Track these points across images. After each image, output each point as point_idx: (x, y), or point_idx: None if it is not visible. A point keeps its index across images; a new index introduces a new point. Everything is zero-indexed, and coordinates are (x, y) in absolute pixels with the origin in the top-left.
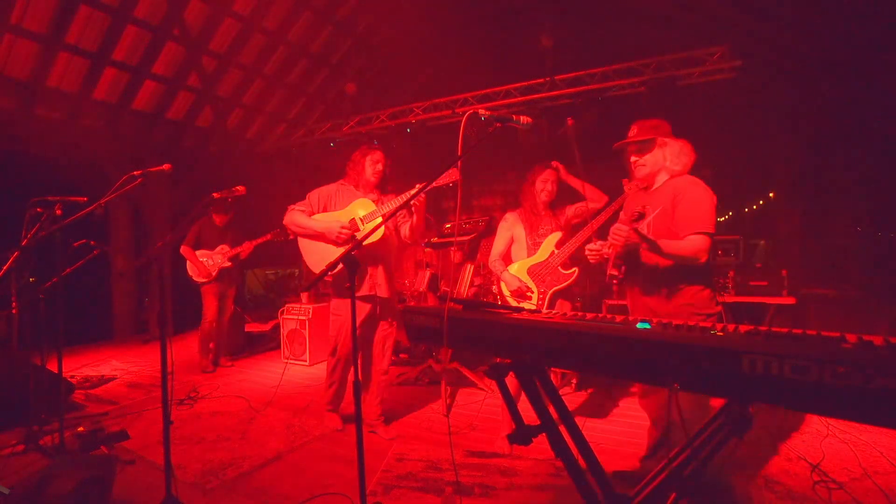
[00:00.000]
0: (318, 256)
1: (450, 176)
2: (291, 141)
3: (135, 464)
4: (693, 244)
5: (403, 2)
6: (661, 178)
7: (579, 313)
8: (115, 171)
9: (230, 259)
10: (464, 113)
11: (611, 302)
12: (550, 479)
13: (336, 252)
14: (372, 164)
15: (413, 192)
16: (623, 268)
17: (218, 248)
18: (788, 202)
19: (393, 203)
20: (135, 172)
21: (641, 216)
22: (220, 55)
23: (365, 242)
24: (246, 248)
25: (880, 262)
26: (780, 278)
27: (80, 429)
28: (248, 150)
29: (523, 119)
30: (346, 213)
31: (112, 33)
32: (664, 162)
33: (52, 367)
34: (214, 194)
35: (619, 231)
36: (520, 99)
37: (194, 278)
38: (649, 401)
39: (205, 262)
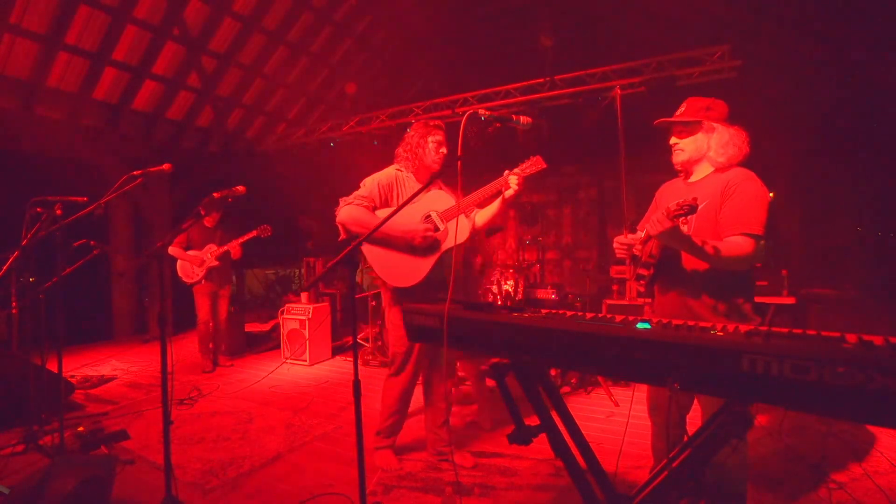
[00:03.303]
0: (399, 267)
1: (536, 164)
2: (291, 141)
3: (135, 464)
4: (739, 247)
5: (403, 2)
6: (703, 168)
7: (579, 313)
8: (115, 171)
9: (218, 258)
10: (464, 113)
11: (611, 302)
12: (550, 479)
13: (414, 260)
14: (435, 147)
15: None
16: (653, 269)
17: (206, 248)
18: (788, 202)
19: (478, 194)
20: (135, 172)
21: (693, 209)
22: (220, 55)
23: (450, 244)
24: (234, 247)
25: (880, 262)
26: (780, 278)
27: (80, 429)
28: (248, 150)
29: (523, 119)
30: (417, 210)
31: (112, 33)
32: (707, 150)
33: (52, 367)
34: (214, 194)
35: (660, 225)
36: (520, 99)
37: (184, 279)
38: (658, 415)
39: (197, 258)
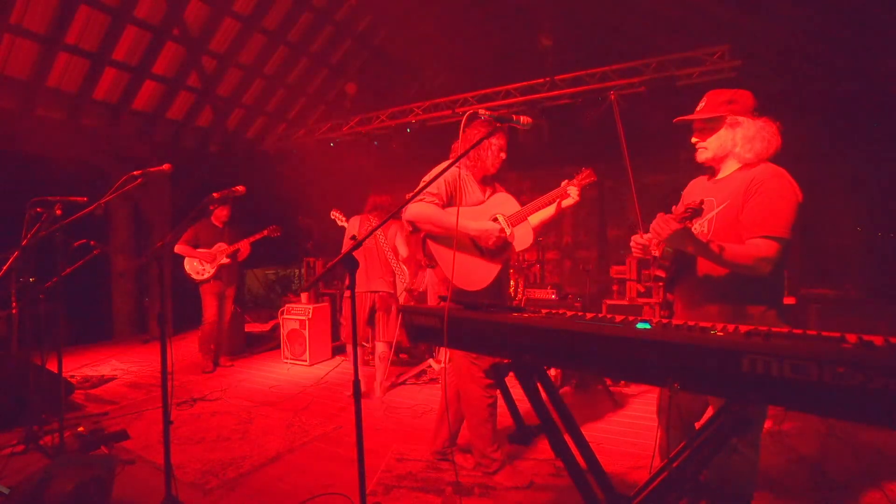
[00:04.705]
0: (468, 269)
1: (589, 176)
2: (291, 141)
3: (135, 464)
4: (757, 250)
5: (403, 2)
6: (730, 165)
7: (579, 313)
8: (115, 171)
9: (229, 256)
10: (464, 113)
11: (611, 302)
12: (550, 479)
13: (483, 262)
14: (496, 150)
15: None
16: (671, 270)
17: (216, 247)
18: None
19: (539, 201)
20: (135, 172)
21: (696, 213)
22: (220, 55)
23: (516, 249)
24: (244, 246)
25: (880, 262)
26: None
27: (80, 429)
28: (248, 150)
29: (523, 119)
30: (484, 211)
31: (112, 33)
32: (732, 147)
33: (52, 367)
34: (214, 194)
35: (662, 225)
36: (520, 99)
37: (193, 276)
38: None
39: (209, 255)
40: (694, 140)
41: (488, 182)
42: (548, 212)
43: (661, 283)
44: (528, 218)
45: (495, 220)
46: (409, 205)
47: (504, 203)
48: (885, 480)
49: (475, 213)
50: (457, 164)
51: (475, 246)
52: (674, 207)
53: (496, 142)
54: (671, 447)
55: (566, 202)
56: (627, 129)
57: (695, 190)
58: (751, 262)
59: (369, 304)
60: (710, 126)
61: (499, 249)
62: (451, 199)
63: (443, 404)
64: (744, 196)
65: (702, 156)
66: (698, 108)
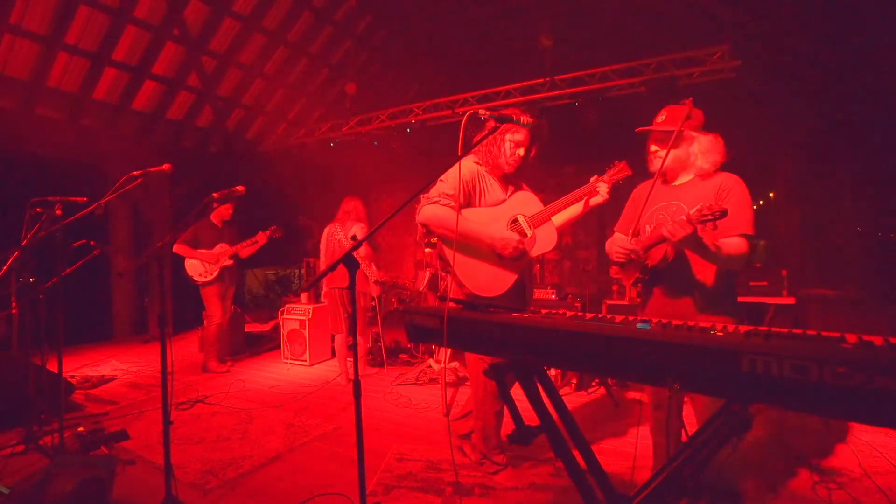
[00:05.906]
0: (485, 274)
1: (623, 171)
2: (291, 141)
3: (135, 464)
4: (739, 247)
5: (403, 2)
6: (686, 174)
7: (579, 313)
8: (115, 171)
9: (231, 257)
10: (464, 113)
11: (611, 302)
12: (550, 479)
13: (500, 268)
14: (512, 147)
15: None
16: (651, 272)
17: (217, 247)
18: (788, 202)
19: (564, 200)
20: (135, 172)
21: (724, 214)
22: (220, 55)
23: (537, 252)
24: (261, 238)
25: (880, 262)
26: (780, 278)
27: (80, 429)
28: (248, 150)
29: (524, 119)
30: (504, 212)
31: (112, 33)
32: (692, 159)
33: (52, 367)
34: (214, 194)
35: (678, 228)
36: (520, 99)
37: (195, 279)
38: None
39: (212, 256)
40: (654, 148)
41: (510, 180)
42: (574, 210)
43: (640, 285)
44: (552, 218)
45: (515, 220)
46: (422, 207)
47: (526, 202)
48: (886, 480)
49: (494, 212)
50: (475, 162)
51: (494, 252)
52: (687, 212)
53: (511, 137)
54: (669, 439)
55: (594, 200)
56: (627, 130)
57: (653, 195)
58: (738, 256)
59: (338, 299)
60: (667, 137)
61: (517, 255)
62: (468, 198)
63: (471, 396)
64: (715, 200)
65: (657, 165)
66: (658, 120)
